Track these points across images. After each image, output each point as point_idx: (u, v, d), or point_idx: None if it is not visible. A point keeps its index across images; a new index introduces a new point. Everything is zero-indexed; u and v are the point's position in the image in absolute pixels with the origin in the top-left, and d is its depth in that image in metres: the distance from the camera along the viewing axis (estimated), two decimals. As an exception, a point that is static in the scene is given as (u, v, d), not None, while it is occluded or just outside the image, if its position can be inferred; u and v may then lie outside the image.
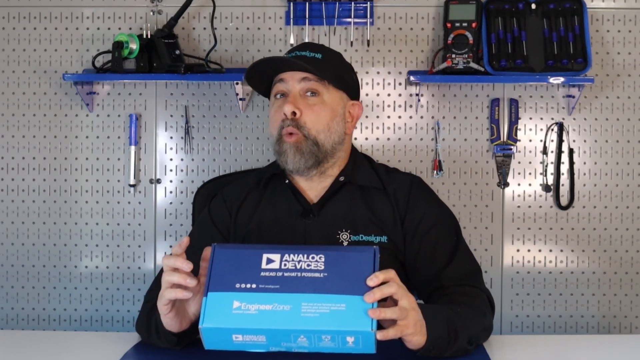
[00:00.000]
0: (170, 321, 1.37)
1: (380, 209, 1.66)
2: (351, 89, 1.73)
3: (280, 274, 1.27)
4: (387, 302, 1.29)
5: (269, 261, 1.29)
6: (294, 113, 1.61)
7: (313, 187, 1.68)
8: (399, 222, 1.64)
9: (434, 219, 1.66)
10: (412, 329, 1.29)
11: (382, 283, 1.26)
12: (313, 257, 1.29)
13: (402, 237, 1.64)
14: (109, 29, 2.46)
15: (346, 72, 1.73)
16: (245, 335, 1.23)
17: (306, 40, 2.40)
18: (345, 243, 1.62)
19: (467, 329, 1.40)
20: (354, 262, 1.28)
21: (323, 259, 1.28)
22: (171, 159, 2.48)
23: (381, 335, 1.24)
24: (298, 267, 1.28)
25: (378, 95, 2.45)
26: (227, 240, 1.70)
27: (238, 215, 1.71)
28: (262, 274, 1.27)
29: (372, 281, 1.24)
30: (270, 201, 1.70)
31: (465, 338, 1.39)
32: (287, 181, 1.69)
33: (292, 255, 1.29)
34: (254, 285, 1.26)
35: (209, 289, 1.27)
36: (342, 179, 1.67)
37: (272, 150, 1.67)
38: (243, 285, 1.26)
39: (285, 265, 1.28)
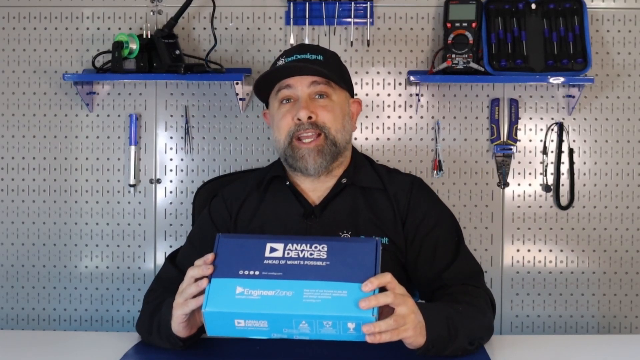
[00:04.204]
0: (182, 329, 1.39)
1: (381, 210, 1.65)
2: (351, 87, 1.74)
3: (283, 262, 1.29)
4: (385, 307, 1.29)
5: (273, 250, 1.31)
6: (309, 117, 1.61)
7: (317, 188, 1.68)
8: (400, 223, 1.64)
9: (435, 219, 1.66)
10: (412, 332, 1.29)
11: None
12: (316, 247, 1.31)
13: (404, 238, 1.64)
14: (109, 29, 2.46)
15: (345, 71, 1.75)
16: (248, 320, 1.24)
17: (306, 41, 2.40)
18: None
19: (468, 327, 1.39)
20: (356, 252, 1.30)
21: (326, 249, 1.30)
22: (171, 159, 2.48)
23: (371, 339, 1.24)
24: (301, 255, 1.29)
25: (378, 95, 2.45)
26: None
27: (238, 216, 1.70)
28: (266, 261, 1.29)
29: (366, 287, 1.25)
30: (271, 202, 1.70)
31: (466, 336, 1.39)
32: (287, 183, 1.69)
33: (295, 245, 1.31)
34: (257, 272, 1.27)
35: (213, 275, 1.28)
36: (344, 181, 1.67)
37: (280, 154, 1.67)
38: (246, 272, 1.27)
39: (288, 254, 1.30)
